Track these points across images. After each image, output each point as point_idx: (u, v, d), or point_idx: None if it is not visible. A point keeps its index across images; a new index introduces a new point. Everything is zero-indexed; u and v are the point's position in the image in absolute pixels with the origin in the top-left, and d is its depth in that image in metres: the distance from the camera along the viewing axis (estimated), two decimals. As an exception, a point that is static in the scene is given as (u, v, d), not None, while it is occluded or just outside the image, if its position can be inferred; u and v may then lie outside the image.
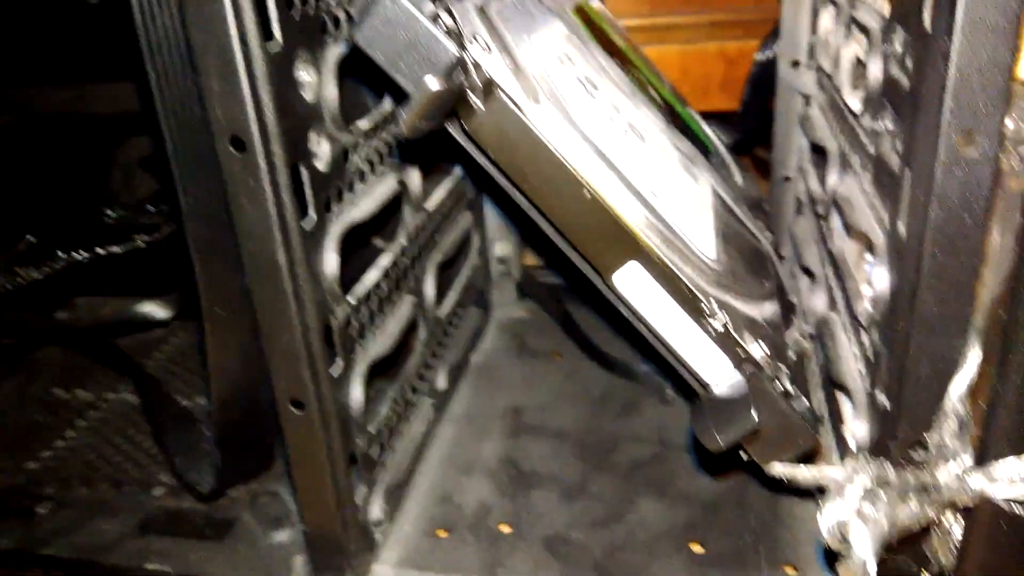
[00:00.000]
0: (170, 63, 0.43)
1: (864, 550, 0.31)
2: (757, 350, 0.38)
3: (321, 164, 0.44)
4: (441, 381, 0.64)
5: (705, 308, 0.37)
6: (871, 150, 0.43)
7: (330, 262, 0.45)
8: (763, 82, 0.70)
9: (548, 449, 0.61)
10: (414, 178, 0.57)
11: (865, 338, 0.42)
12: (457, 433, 0.63)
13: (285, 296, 0.42)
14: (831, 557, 0.35)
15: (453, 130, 0.38)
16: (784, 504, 0.54)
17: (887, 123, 0.40)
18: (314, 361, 0.43)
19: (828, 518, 0.32)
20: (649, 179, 0.40)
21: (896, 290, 0.36)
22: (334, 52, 0.45)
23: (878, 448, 0.39)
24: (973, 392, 0.33)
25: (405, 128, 0.33)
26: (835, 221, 0.50)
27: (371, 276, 0.51)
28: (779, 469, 0.39)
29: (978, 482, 0.33)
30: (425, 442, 0.60)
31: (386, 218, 0.58)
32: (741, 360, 0.38)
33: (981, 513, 0.34)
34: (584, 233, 0.36)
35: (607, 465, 0.59)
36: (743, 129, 0.71)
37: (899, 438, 0.36)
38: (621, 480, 0.57)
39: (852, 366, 0.44)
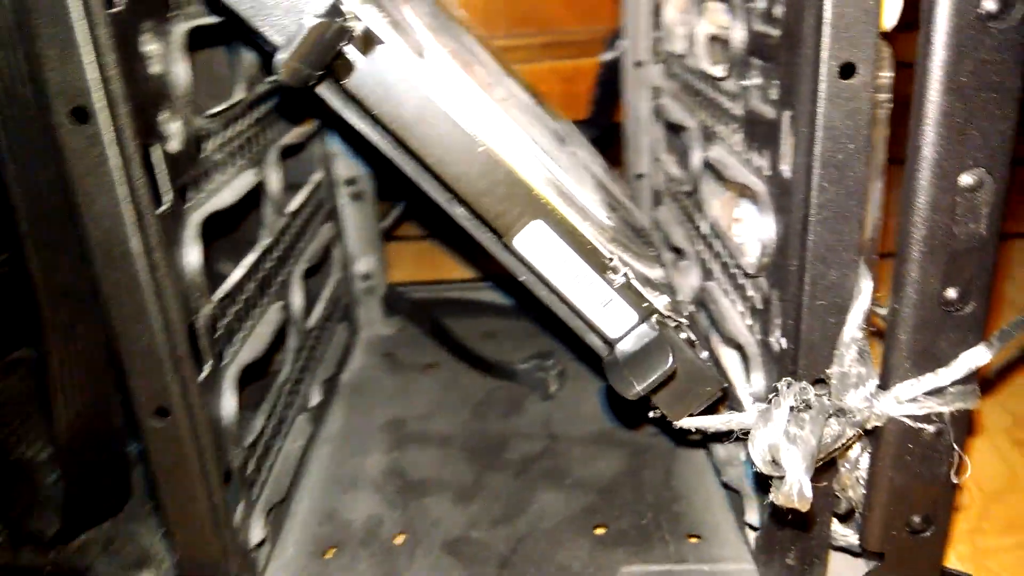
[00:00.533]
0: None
1: (796, 469, 0.30)
2: (660, 301, 0.37)
3: (174, 145, 0.40)
4: (315, 396, 0.60)
5: (608, 262, 0.36)
6: (738, 111, 0.44)
7: (191, 254, 0.40)
8: (610, 80, 0.72)
9: (435, 456, 0.58)
10: (273, 177, 0.54)
11: (752, 291, 0.43)
12: (336, 450, 0.59)
13: (141, 289, 0.37)
14: (763, 485, 0.35)
15: (329, 94, 0.36)
16: (679, 480, 0.54)
17: (755, 79, 0.41)
18: (179, 363, 0.39)
19: (759, 444, 0.32)
20: (535, 142, 0.39)
21: (785, 231, 0.37)
22: (182, 26, 0.41)
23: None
24: (870, 318, 0.35)
25: (284, 73, 0.31)
26: (705, 192, 0.52)
27: (236, 274, 0.47)
28: (689, 422, 0.39)
29: (885, 404, 0.34)
30: (303, 459, 0.56)
31: (246, 215, 0.54)
32: (646, 312, 0.37)
33: (888, 435, 0.35)
34: (482, 195, 0.35)
35: (499, 464, 0.57)
36: (598, 126, 0.73)
37: (800, 375, 0.36)
38: (515, 476, 0.55)
39: (739, 323, 0.45)
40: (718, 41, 0.51)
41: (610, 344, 0.38)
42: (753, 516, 0.46)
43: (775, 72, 0.38)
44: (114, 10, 0.34)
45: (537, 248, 0.36)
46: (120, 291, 0.37)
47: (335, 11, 0.32)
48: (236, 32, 0.45)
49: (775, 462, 0.31)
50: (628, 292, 0.37)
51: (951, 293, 0.34)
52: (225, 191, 0.45)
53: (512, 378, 0.66)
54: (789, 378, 0.34)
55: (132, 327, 0.38)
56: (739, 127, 0.44)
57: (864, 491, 0.37)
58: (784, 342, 0.37)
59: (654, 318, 0.37)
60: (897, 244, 0.34)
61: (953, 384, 0.33)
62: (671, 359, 0.35)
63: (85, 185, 0.36)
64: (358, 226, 0.73)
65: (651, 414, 0.40)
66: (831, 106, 0.32)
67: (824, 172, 0.33)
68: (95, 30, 0.33)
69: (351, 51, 0.33)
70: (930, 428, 0.35)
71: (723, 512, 0.51)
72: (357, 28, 0.33)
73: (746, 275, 0.43)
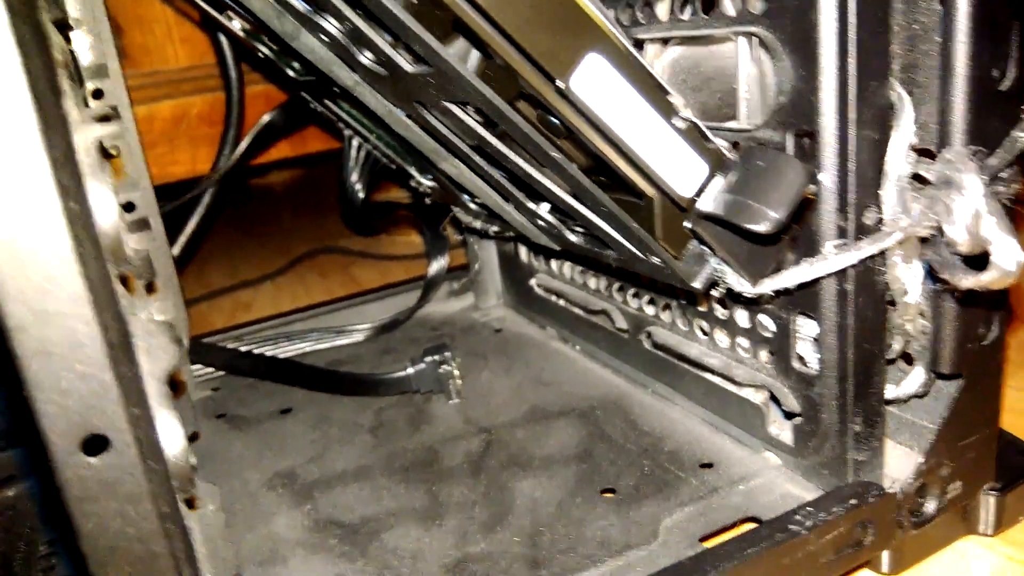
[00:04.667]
0: None
1: (1005, 238, 0.27)
2: (720, 143, 0.32)
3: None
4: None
5: (673, 101, 0.30)
6: None
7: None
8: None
9: (361, 492, 0.45)
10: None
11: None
12: (228, 519, 0.44)
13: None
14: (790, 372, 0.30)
15: None
16: (646, 423, 0.48)
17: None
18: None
19: (960, 218, 0.28)
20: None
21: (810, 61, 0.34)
22: None
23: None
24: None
25: None
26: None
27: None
28: (780, 280, 0.33)
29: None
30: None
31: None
32: (715, 160, 0.31)
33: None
34: (531, 27, 0.27)
35: (445, 474, 0.46)
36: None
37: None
38: (473, 479, 0.45)
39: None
40: None
41: (681, 207, 0.32)
42: (776, 418, 0.42)
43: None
44: None
45: (594, 88, 0.29)
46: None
47: None
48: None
49: (977, 235, 0.27)
50: (696, 136, 0.31)
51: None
52: None
53: (401, 389, 0.55)
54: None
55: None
56: None
57: (926, 320, 0.35)
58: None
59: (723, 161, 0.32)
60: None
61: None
62: (798, 164, 0.30)
63: None
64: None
65: (715, 292, 0.35)
66: None
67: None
68: None
69: None
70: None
71: (714, 434, 0.46)
72: None
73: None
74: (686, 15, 0.39)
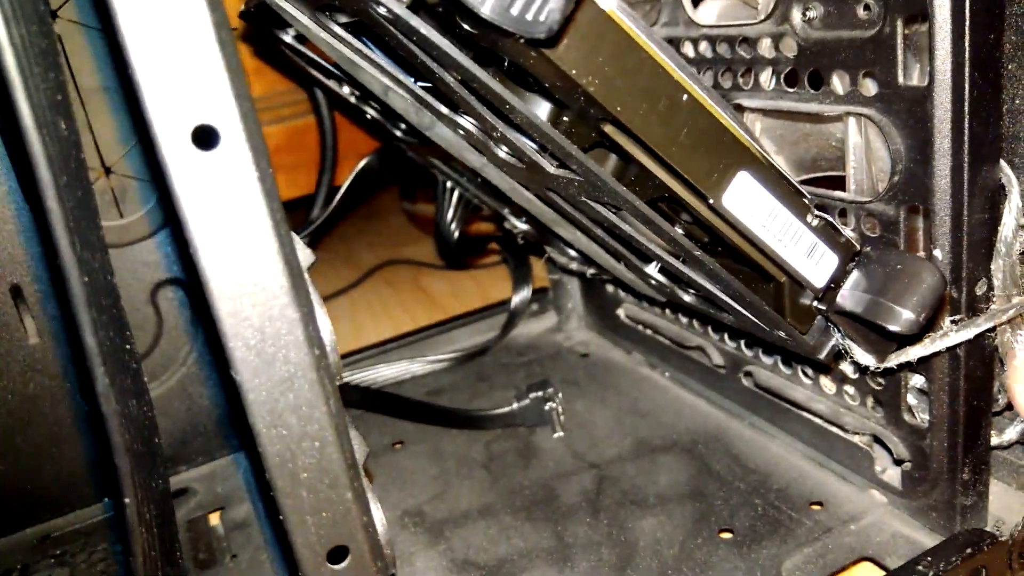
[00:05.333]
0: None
1: None
2: (850, 234, 0.35)
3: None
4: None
5: (807, 203, 0.33)
6: (774, 52, 0.43)
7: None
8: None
9: (491, 533, 0.49)
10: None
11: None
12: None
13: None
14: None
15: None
16: (750, 459, 0.51)
17: (816, 8, 0.40)
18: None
19: None
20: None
21: (922, 142, 0.36)
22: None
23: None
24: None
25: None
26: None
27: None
28: (906, 355, 0.36)
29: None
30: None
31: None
32: (847, 252, 0.34)
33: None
34: (687, 152, 0.29)
35: (566, 512, 0.49)
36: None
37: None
38: (593, 518, 0.49)
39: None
40: None
41: (816, 295, 0.35)
42: (884, 461, 0.45)
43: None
44: None
45: (743, 202, 0.31)
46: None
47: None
48: None
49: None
50: (828, 232, 0.34)
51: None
52: None
53: (508, 423, 0.58)
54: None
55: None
56: (784, 66, 0.42)
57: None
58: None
59: (854, 256, 0.34)
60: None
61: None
62: (936, 270, 0.32)
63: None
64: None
65: (849, 370, 0.37)
66: (976, 3, 0.32)
67: (975, 67, 0.33)
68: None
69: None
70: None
71: (819, 470, 0.49)
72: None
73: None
74: (792, 88, 0.42)
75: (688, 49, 0.47)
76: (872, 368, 0.38)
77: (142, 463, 0.26)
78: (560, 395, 0.58)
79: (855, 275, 0.35)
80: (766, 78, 0.44)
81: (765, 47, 0.42)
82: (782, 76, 0.42)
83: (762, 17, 0.41)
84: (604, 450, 0.55)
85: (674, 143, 0.29)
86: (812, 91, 0.41)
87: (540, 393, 0.57)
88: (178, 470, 0.59)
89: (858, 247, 0.35)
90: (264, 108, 0.85)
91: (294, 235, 0.31)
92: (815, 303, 0.36)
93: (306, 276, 0.27)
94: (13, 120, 0.23)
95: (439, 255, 0.69)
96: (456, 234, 0.63)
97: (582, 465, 0.54)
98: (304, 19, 0.34)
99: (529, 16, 0.22)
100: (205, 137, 0.21)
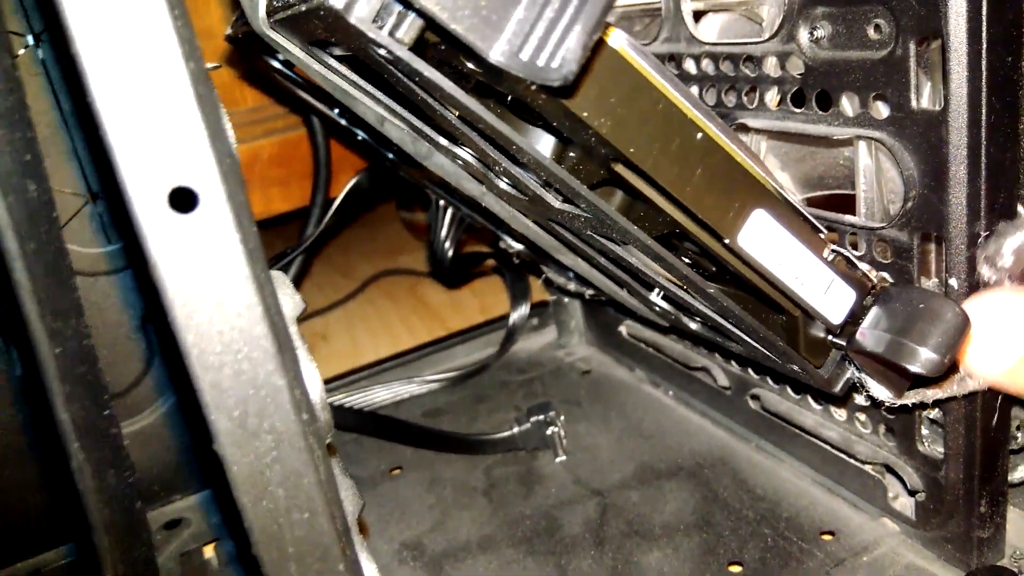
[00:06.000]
0: None
1: None
2: (866, 268, 0.33)
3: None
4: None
5: (822, 238, 0.31)
6: (778, 71, 0.41)
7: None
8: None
9: (492, 567, 0.48)
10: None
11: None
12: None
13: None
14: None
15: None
16: (758, 485, 0.50)
17: (824, 27, 0.39)
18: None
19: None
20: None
21: (936, 168, 0.35)
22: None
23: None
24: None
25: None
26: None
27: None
28: (923, 394, 0.35)
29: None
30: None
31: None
32: (862, 287, 0.33)
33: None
34: (702, 192, 0.28)
35: (568, 544, 0.48)
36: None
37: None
38: (598, 550, 0.47)
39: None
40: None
41: (833, 331, 0.33)
42: (897, 490, 0.43)
43: (880, 7, 0.35)
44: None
45: (758, 241, 0.30)
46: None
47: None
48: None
49: None
50: (846, 268, 0.32)
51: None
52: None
53: (508, 448, 0.57)
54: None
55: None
56: (790, 86, 0.41)
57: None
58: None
59: (873, 287, 0.33)
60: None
61: None
62: (960, 310, 0.31)
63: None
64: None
65: (861, 399, 0.36)
66: (993, 24, 0.31)
67: (993, 90, 0.32)
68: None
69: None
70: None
71: (829, 497, 0.48)
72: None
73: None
74: (799, 108, 0.40)
75: (690, 65, 0.45)
76: (889, 403, 0.36)
77: (123, 536, 0.24)
78: (562, 417, 0.57)
79: (874, 311, 0.33)
80: (771, 97, 0.42)
81: (770, 66, 0.41)
82: (788, 96, 0.41)
83: (767, 36, 0.40)
84: (607, 476, 0.54)
85: (688, 183, 0.28)
86: (820, 112, 0.39)
87: (541, 416, 0.55)
88: (172, 499, 0.57)
89: (876, 282, 0.34)
90: (256, 120, 0.84)
91: (283, 278, 0.29)
92: (831, 338, 0.35)
93: (293, 331, 0.26)
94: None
95: (433, 275, 0.67)
96: (450, 253, 0.61)
97: (585, 492, 0.52)
98: (296, 51, 0.33)
99: (541, 62, 0.21)
100: (183, 200, 0.20)
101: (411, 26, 0.23)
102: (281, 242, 0.83)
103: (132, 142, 0.19)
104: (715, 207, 0.29)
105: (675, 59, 0.46)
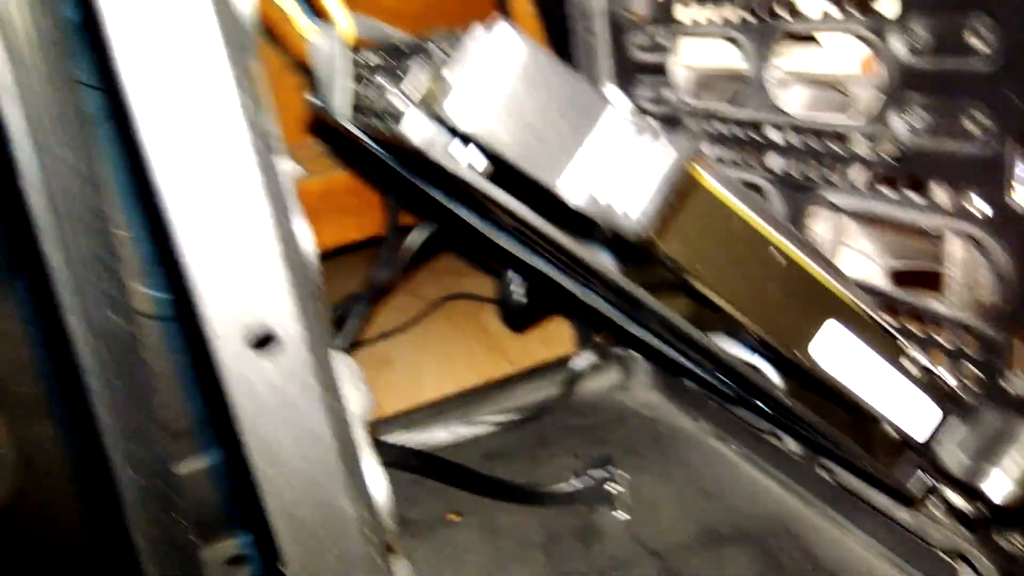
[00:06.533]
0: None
1: None
2: (954, 383, 0.32)
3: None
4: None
5: (903, 348, 0.30)
6: (870, 154, 0.40)
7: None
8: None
9: (548, 626, 0.47)
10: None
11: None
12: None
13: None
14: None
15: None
16: (825, 557, 0.49)
17: (918, 115, 0.37)
18: None
19: None
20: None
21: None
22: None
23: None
24: None
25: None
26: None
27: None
28: None
29: None
30: None
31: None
32: (951, 402, 0.32)
33: None
34: (773, 306, 0.27)
35: (627, 610, 0.48)
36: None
37: None
38: (657, 619, 0.47)
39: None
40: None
41: (917, 450, 0.32)
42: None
43: (980, 103, 0.33)
44: None
45: (831, 352, 0.29)
46: None
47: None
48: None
49: None
50: (928, 382, 0.31)
51: None
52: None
53: (568, 502, 0.57)
54: None
55: None
56: (880, 167, 0.39)
57: None
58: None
59: (953, 402, 0.32)
60: None
61: None
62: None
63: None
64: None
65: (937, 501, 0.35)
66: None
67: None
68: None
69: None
70: None
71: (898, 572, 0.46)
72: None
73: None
74: (887, 189, 0.39)
75: (773, 134, 0.44)
76: (966, 512, 0.35)
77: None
78: (620, 472, 0.56)
79: (959, 429, 0.32)
80: (857, 175, 0.41)
81: (861, 146, 0.39)
82: (877, 176, 0.40)
83: (863, 120, 0.38)
84: (668, 537, 0.53)
85: (761, 300, 0.27)
86: (910, 197, 0.38)
87: (601, 473, 0.55)
88: (234, 533, 0.58)
89: (963, 398, 0.32)
90: (331, 151, 0.85)
91: (352, 370, 0.30)
92: (910, 450, 0.34)
93: (359, 435, 0.26)
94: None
95: (504, 321, 0.67)
96: (523, 301, 0.61)
97: (644, 553, 0.52)
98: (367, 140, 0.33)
99: (619, 210, 0.21)
100: (262, 340, 0.20)
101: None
102: (352, 265, 0.84)
103: (213, 281, 0.20)
104: (787, 320, 0.28)
105: (757, 126, 0.45)
